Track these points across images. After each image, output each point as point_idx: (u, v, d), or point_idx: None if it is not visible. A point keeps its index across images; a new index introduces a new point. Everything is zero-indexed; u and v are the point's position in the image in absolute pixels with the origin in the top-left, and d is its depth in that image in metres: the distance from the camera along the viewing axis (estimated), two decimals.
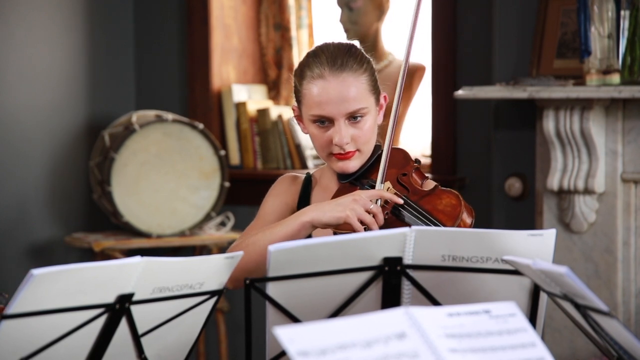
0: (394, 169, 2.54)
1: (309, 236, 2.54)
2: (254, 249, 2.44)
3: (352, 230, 2.37)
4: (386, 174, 2.51)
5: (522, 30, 4.13)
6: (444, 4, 4.49)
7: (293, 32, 5.01)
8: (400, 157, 2.57)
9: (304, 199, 2.64)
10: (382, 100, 2.61)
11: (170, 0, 5.06)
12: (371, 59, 2.60)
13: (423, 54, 4.75)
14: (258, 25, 5.13)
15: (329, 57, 2.54)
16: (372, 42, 4.65)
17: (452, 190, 2.46)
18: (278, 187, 2.68)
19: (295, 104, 2.63)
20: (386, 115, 2.64)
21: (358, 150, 2.55)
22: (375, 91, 2.58)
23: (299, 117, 2.62)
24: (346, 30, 4.77)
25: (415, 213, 2.42)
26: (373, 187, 2.51)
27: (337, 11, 4.79)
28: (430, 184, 2.56)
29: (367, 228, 2.38)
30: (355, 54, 2.56)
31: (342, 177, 2.58)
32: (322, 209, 2.42)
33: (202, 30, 4.97)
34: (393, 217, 2.44)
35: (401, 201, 2.43)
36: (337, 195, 2.55)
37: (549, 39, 4.05)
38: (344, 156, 2.54)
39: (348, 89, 2.52)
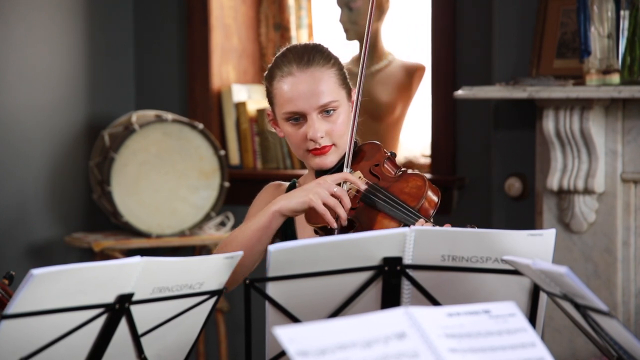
0: (367, 162, 2.56)
1: (294, 237, 2.56)
2: (233, 246, 2.48)
3: (322, 218, 2.39)
4: (360, 166, 2.54)
5: (522, 30, 4.13)
6: (444, 4, 4.49)
7: (293, 32, 5.01)
8: (373, 149, 2.60)
9: None
10: (353, 96, 2.63)
11: (170, 1, 5.06)
12: (338, 57, 2.63)
13: (423, 54, 4.75)
14: (258, 25, 5.13)
15: (296, 54, 2.58)
16: (371, 42, 4.65)
17: (418, 173, 2.50)
18: (263, 194, 2.72)
19: (269, 108, 2.64)
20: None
21: (333, 144, 2.57)
22: (346, 86, 2.62)
23: (274, 121, 2.65)
24: (346, 30, 4.77)
25: (384, 198, 2.44)
26: None
27: (337, 11, 4.79)
28: (401, 172, 2.58)
29: (337, 216, 2.39)
30: (321, 50, 2.61)
31: (319, 174, 2.60)
32: (288, 197, 2.45)
33: (202, 30, 4.97)
34: (364, 205, 2.46)
35: (363, 186, 2.45)
36: None
37: (549, 39, 4.06)
38: (320, 151, 2.56)
39: (317, 83, 2.55)
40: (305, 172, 2.74)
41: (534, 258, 1.97)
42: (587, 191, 3.91)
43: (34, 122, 4.72)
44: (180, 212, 4.65)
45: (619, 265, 3.91)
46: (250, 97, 5.04)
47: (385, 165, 2.55)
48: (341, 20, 4.77)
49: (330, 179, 2.44)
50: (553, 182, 3.94)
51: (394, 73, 4.74)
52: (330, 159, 2.58)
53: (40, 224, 4.78)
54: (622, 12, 3.80)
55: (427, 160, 4.67)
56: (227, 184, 4.66)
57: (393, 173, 2.55)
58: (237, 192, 4.82)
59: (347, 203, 2.42)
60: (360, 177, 2.51)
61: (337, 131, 2.56)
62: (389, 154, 2.57)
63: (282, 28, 5.04)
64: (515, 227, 2.27)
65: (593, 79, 3.81)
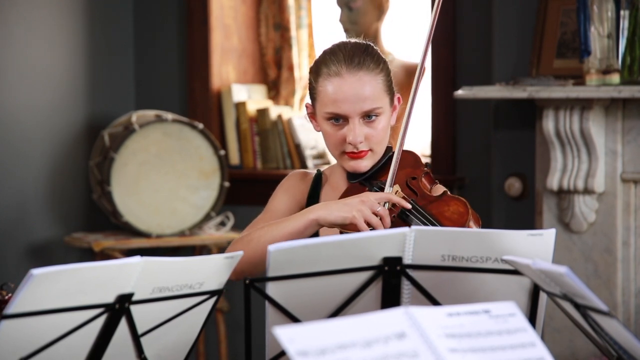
0: (403, 172, 2.52)
1: (316, 234, 2.54)
2: (259, 243, 2.44)
3: (358, 231, 2.37)
4: (396, 177, 2.51)
5: (522, 30, 4.13)
6: (444, 4, 4.48)
7: (293, 32, 5.01)
8: (411, 160, 2.56)
9: (313, 196, 2.63)
10: (395, 102, 2.61)
11: (170, 0, 5.06)
12: (387, 60, 2.60)
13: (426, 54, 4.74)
14: (258, 25, 5.13)
15: (347, 55, 2.53)
16: (371, 42, 4.65)
17: (460, 198, 2.45)
18: (288, 182, 2.67)
19: (308, 100, 2.61)
20: (398, 118, 2.64)
21: (371, 150, 2.54)
22: (390, 92, 2.58)
23: (312, 115, 2.60)
24: (346, 30, 4.77)
25: (422, 218, 2.41)
26: (382, 189, 2.50)
27: (337, 11, 4.79)
28: (439, 189, 2.55)
29: (373, 230, 2.37)
30: (372, 54, 2.57)
31: (351, 176, 2.58)
32: (329, 208, 2.41)
33: (201, 30, 4.97)
34: (399, 221, 2.43)
35: (409, 206, 2.42)
36: (345, 194, 2.54)
37: (549, 39, 4.06)
38: (357, 155, 2.54)
39: (364, 87, 2.51)
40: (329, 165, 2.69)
41: (534, 258, 1.97)
42: (587, 191, 3.91)
43: (34, 122, 4.72)
44: (180, 212, 4.65)
45: (619, 265, 3.91)
46: (250, 97, 5.04)
47: (423, 179, 2.52)
48: (341, 20, 4.77)
49: (373, 197, 2.40)
50: (553, 182, 3.94)
51: (394, 73, 4.73)
52: (365, 164, 2.55)
53: (40, 223, 4.78)
54: (622, 12, 3.80)
55: (427, 160, 4.68)
56: (227, 184, 4.66)
57: (429, 188, 2.52)
58: (237, 192, 4.82)
59: (388, 223, 2.39)
60: (397, 192, 2.48)
61: (376, 137, 2.53)
62: (426, 166, 2.55)
63: (282, 28, 5.04)
64: (515, 227, 2.27)
65: (593, 79, 3.81)
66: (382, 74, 2.56)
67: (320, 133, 2.59)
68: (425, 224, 2.39)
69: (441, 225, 2.38)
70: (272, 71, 5.11)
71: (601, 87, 3.77)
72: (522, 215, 4.20)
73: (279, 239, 2.40)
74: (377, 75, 2.54)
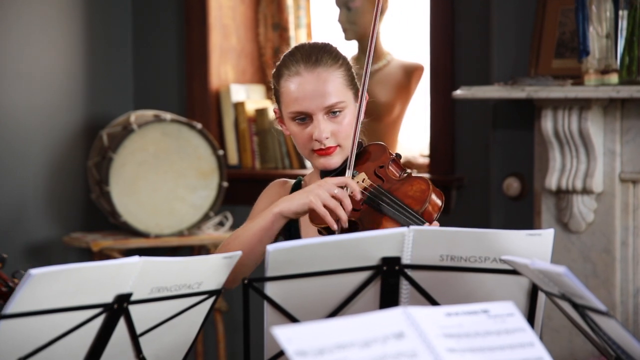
0: (371, 163, 2.55)
1: (298, 236, 2.56)
2: (234, 245, 2.47)
3: (323, 220, 2.38)
4: (365, 167, 2.53)
5: (521, 30, 4.13)
6: (442, 3, 4.49)
7: (291, 32, 5.01)
8: (378, 150, 2.59)
9: None
10: (360, 97, 2.62)
11: (169, 0, 5.06)
12: (346, 57, 2.63)
13: (421, 54, 4.75)
14: (256, 25, 5.13)
15: (304, 54, 2.57)
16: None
17: (422, 177, 2.50)
18: (268, 191, 2.71)
19: (275, 106, 2.64)
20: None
21: (339, 145, 2.56)
22: (353, 87, 2.60)
23: (280, 119, 2.64)
24: (344, 30, 4.77)
25: (388, 201, 2.43)
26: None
27: (336, 11, 4.79)
28: (405, 175, 2.57)
29: (338, 218, 2.38)
30: (330, 51, 2.60)
31: (323, 174, 2.59)
32: (290, 199, 2.45)
33: (200, 30, 4.97)
34: (367, 207, 2.45)
35: (359, 195, 2.43)
36: None
37: (547, 39, 4.06)
38: (325, 152, 2.56)
39: (324, 83, 2.54)
40: (310, 170, 2.73)
41: (533, 258, 1.97)
42: (586, 191, 3.91)
43: (33, 122, 4.72)
44: (178, 212, 4.65)
45: (618, 265, 3.91)
46: (248, 97, 5.04)
47: (390, 167, 2.54)
48: (340, 20, 4.77)
49: (331, 181, 2.44)
50: (551, 182, 3.94)
51: (393, 73, 4.74)
52: (335, 160, 2.57)
53: (38, 223, 4.78)
54: (620, 12, 3.80)
55: (426, 160, 4.67)
56: (225, 184, 4.66)
57: (398, 175, 2.54)
58: (236, 192, 4.82)
59: (348, 205, 2.41)
60: (364, 179, 2.50)
61: (342, 132, 2.55)
62: (394, 155, 2.57)
63: (280, 28, 5.04)
64: (514, 227, 2.27)
65: (591, 79, 3.81)
66: (342, 69, 2.58)
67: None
68: (391, 206, 2.42)
69: (404, 204, 2.41)
70: (270, 71, 5.10)
71: (600, 87, 3.77)
72: (521, 215, 4.20)
73: (250, 238, 2.46)
74: (336, 70, 2.57)
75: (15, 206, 4.70)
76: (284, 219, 2.46)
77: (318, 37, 5.05)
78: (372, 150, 2.59)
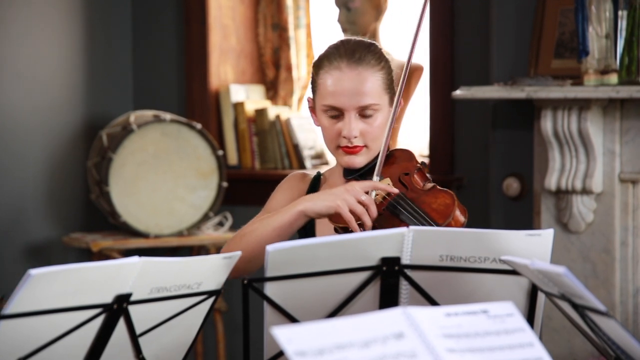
0: (397, 168, 2.54)
1: (313, 234, 2.55)
2: (251, 239, 2.45)
3: (345, 222, 2.38)
4: (389, 172, 2.51)
5: (520, 30, 4.13)
6: (442, 3, 4.49)
7: (291, 32, 5.01)
8: (405, 156, 2.58)
9: None
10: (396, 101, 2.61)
11: (169, 0, 5.06)
12: (390, 59, 2.61)
13: (421, 54, 4.75)
14: (256, 25, 5.13)
15: (348, 49, 2.55)
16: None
17: (448, 191, 2.47)
18: (287, 183, 2.68)
19: (311, 94, 2.62)
20: (399, 119, 2.65)
21: (366, 146, 2.55)
22: (390, 90, 2.59)
23: (313, 109, 2.62)
24: (344, 30, 4.77)
25: (410, 210, 2.42)
26: None
27: (335, 11, 4.79)
28: (430, 186, 2.56)
29: (359, 219, 2.38)
30: (374, 51, 2.58)
31: (347, 172, 2.58)
32: (315, 199, 2.43)
33: (200, 30, 4.97)
34: (388, 213, 2.44)
35: (395, 190, 2.43)
36: None
37: (547, 39, 4.06)
38: (351, 150, 2.54)
39: (363, 83, 2.53)
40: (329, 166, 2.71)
41: (532, 258, 1.97)
42: (585, 191, 3.91)
43: (32, 122, 4.72)
44: (178, 212, 4.65)
45: (617, 265, 3.91)
46: (248, 97, 5.04)
47: (415, 175, 2.53)
48: (339, 21, 4.77)
49: (358, 186, 2.42)
50: (551, 182, 3.94)
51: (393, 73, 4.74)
52: (360, 159, 2.55)
53: (38, 224, 4.78)
54: (620, 12, 3.80)
55: (426, 160, 4.67)
56: (225, 184, 4.66)
57: (421, 184, 2.53)
58: (235, 192, 4.82)
59: (374, 212, 2.39)
60: (389, 185, 2.49)
61: (372, 133, 2.54)
62: (420, 163, 2.56)
63: (280, 28, 5.04)
64: (513, 227, 2.27)
65: (591, 79, 3.81)
66: (383, 71, 2.57)
67: (319, 128, 2.61)
68: (412, 216, 2.41)
69: (428, 216, 2.40)
70: (270, 71, 5.11)
71: (599, 87, 3.77)
72: (520, 215, 4.20)
73: (269, 233, 2.43)
74: (377, 72, 2.55)
75: (14, 206, 4.70)
76: (305, 218, 2.43)
77: (317, 38, 5.05)
78: (398, 155, 2.57)
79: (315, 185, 2.66)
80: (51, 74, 4.80)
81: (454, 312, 1.73)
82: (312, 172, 2.70)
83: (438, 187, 2.50)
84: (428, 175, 2.58)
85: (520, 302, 2.18)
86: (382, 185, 2.44)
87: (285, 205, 2.62)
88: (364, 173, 2.57)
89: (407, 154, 2.59)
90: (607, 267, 3.92)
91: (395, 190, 2.44)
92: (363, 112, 2.54)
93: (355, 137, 2.53)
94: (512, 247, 2.13)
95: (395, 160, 2.55)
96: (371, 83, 2.54)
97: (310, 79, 2.62)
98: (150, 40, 5.09)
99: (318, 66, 2.57)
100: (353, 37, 2.63)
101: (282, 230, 2.43)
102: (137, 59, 5.11)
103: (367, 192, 2.42)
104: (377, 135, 2.55)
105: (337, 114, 2.54)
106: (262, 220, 2.49)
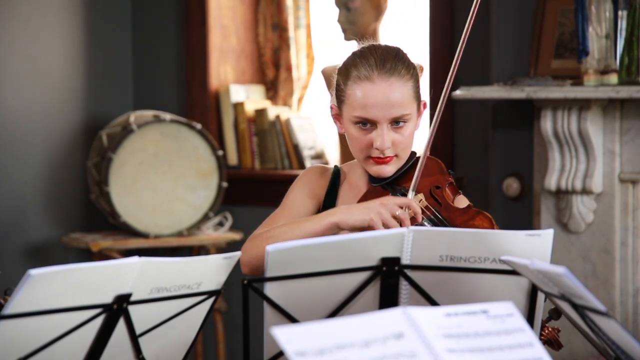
0: (427, 180, 2.51)
1: None
2: (279, 241, 2.42)
3: None
4: (420, 185, 2.49)
5: (520, 30, 4.13)
6: (442, 3, 4.49)
7: (291, 33, 5.01)
8: (435, 168, 2.55)
9: (331, 193, 2.61)
10: (421, 108, 2.60)
11: (168, 1, 5.06)
12: (416, 66, 2.58)
13: (421, 54, 4.75)
14: (256, 26, 5.13)
15: (378, 59, 2.51)
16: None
17: (485, 213, 2.45)
18: (306, 177, 2.65)
19: (333, 101, 2.59)
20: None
21: (396, 155, 2.53)
22: (418, 98, 2.56)
23: (337, 116, 2.58)
24: (344, 31, 4.77)
25: None
26: (404, 194, 2.48)
27: (335, 11, 4.79)
28: (462, 201, 2.54)
29: None
30: (403, 59, 2.55)
31: (374, 180, 2.55)
32: (349, 212, 2.40)
33: (200, 31, 4.97)
34: None
35: (419, 219, 2.40)
36: (366, 197, 2.52)
37: (547, 39, 4.06)
38: (382, 160, 2.52)
39: (394, 93, 2.49)
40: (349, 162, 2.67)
41: (532, 258, 1.97)
42: (585, 191, 3.91)
43: (32, 122, 4.72)
44: (178, 212, 4.65)
45: (617, 266, 3.91)
46: (248, 97, 5.04)
47: (447, 189, 2.51)
48: (339, 21, 4.77)
49: (393, 201, 2.39)
50: (551, 182, 3.94)
51: None
52: (389, 169, 2.53)
53: (38, 224, 4.78)
54: (619, 12, 3.80)
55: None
56: (225, 184, 4.65)
57: (452, 198, 2.50)
58: (235, 192, 4.82)
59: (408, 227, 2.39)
60: (421, 200, 2.47)
61: (403, 143, 2.52)
62: (451, 175, 2.54)
63: (280, 28, 5.04)
64: (513, 227, 2.27)
65: (591, 79, 3.81)
66: (412, 80, 2.53)
67: (339, 135, 2.58)
68: None
69: None
70: (270, 71, 5.11)
71: (599, 88, 3.77)
72: (520, 215, 4.20)
73: (299, 239, 2.40)
74: (408, 81, 2.52)
75: (14, 206, 4.70)
76: (338, 229, 2.40)
77: (317, 38, 5.04)
78: (429, 165, 2.53)
79: (335, 180, 2.62)
80: (51, 75, 4.80)
81: (454, 312, 1.73)
82: (330, 167, 2.67)
83: (473, 207, 2.48)
84: (458, 188, 2.55)
85: (520, 302, 2.18)
86: (415, 206, 2.40)
87: (305, 199, 2.59)
88: (391, 181, 2.55)
89: (437, 165, 2.56)
90: (607, 267, 3.92)
91: (419, 219, 2.39)
92: (394, 122, 2.51)
93: (388, 148, 2.51)
94: (512, 247, 2.13)
95: (426, 171, 2.51)
96: (402, 93, 2.50)
97: (336, 87, 2.57)
98: (150, 41, 5.09)
99: (346, 75, 2.53)
100: (379, 44, 2.58)
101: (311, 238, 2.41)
102: (137, 59, 5.11)
103: (402, 208, 2.40)
104: (407, 144, 2.53)
105: (368, 125, 2.51)
106: (292, 224, 2.46)
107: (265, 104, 5.04)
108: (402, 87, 2.51)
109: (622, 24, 3.80)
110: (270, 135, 4.91)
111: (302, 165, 4.84)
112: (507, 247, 2.13)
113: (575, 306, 1.89)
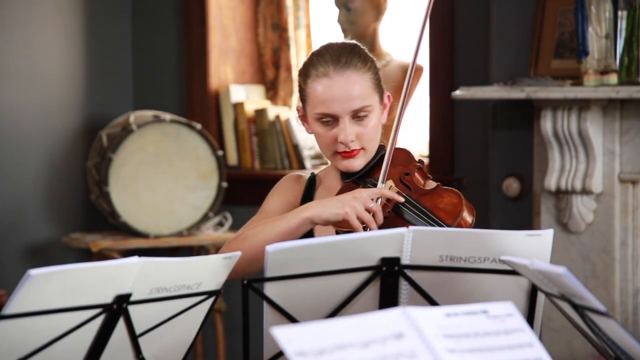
0: (397, 168, 2.54)
1: (311, 235, 2.55)
2: (253, 241, 2.45)
3: (352, 228, 2.38)
4: (389, 173, 2.51)
5: (520, 30, 4.13)
6: (442, 3, 4.49)
7: (291, 33, 5.01)
8: (403, 156, 2.58)
9: (307, 199, 2.64)
10: (385, 100, 2.62)
11: (168, 1, 5.06)
12: (374, 59, 2.61)
13: (421, 54, 4.75)
14: (256, 26, 5.13)
15: (333, 55, 2.55)
16: (370, 43, 4.65)
17: (453, 189, 2.47)
18: (282, 185, 2.69)
19: (300, 104, 2.63)
20: (389, 115, 2.65)
21: (363, 148, 2.56)
22: (379, 90, 2.59)
23: (304, 117, 2.62)
24: (344, 31, 4.77)
25: (416, 211, 2.42)
26: (375, 185, 2.51)
27: (335, 11, 4.79)
28: (432, 184, 2.56)
29: (366, 226, 2.38)
30: (359, 53, 2.58)
31: (345, 175, 2.59)
32: (323, 206, 2.42)
33: (199, 31, 4.97)
34: (394, 215, 2.44)
35: (402, 199, 2.43)
36: (339, 193, 2.55)
37: (547, 39, 4.06)
38: (349, 154, 2.55)
39: (352, 86, 2.53)
40: (323, 166, 2.71)
41: (532, 258, 1.97)
42: (585, 191, 3.91)
43: (32, 122, 4.72)
44: (178, 212, 4.65)
45: (617, 266, 3.91)
46: (248, 97, 5.04)
47: (416, 174, 2.53)
48: (339, 21, 4.77)
49: (366, 194, 2.41)
50: (551, 182, 3.94)
51: (392, 73, 4.74)
52: (357, 163, 2.56)
53: (38, 224, 4.78)
54: (619, 13, 3.80)
55: (425, 160, 4.67)
56: (225, 184, 4.66)
57: (423, 182, 2.53)
58: (235, 192, 4.82)
59: (380, 219, 2.40)
60: (391, 187, 2.49)
61: (367, 135, 2.55)
62: (419, 162, 2.56)
63: (280, 28, 5.04)
64: (513, 228, 2.27)
65: (591, 80, 3.81)
66: (370, 72, 2.57)
67: (313, 135, 2.60)
68: (420, 217, 2.40)
69: (436, 216, 2.39)
70: (270, 71, 5.11)
71: (599, 88, 3.77)
72: (520, 215, 4.20)
73: (273, 238, 2.42)
74: (365, 73, 2.55)
75: (14, 207, 4.70)
76: (312, 224, 2.43)
77: (317, 38, 5.05)
78: (397, 155, 2.56)
79: (310, 186, 2.66)
80: (51, 75, 4.80)
81: (454, 312, 1.73)
82: (306, 174, 2.70)
83: (442, 186, 2.50)
84: (428, 174, 2.58)
85: (520, 302, 2.18)
86: (389, 192, 2.43)
87: (281, 206, 2.63)
88: (362, 175, 2.57)
89: (406, 154, 2.59)
90: (607, 267, 3.92)
91: (401, 199, 2.44)
92: (356, 115, 2.54)
93: (352, 141, 2.53)
94: (512, 247, 2.13)
95: (395, 160, 2.55)
96: (360, 86, 2.54)
97: (298, 88, 2.62)
98: (150, 40, 5.09)
99: (305, 75, 2.57)
100: (335, 42, 2.62)
101: (286, 235, 2.42)
102: (137, 60, 5.11)
103: (374, 199, 2.42)
104: (372, 136, 2.56)
105: (331, 120, 2.54)
106: (266, 224, 2.48)
107: (265, 104, 5.04)
108: (360, 79, 2.54)
109: (622, 24, 3.80)
110: (270, 136, 4.91)
111: (302, 166, 4.84)
112: (507, 247, 2.13)
113: (575, 306, 1.89)
